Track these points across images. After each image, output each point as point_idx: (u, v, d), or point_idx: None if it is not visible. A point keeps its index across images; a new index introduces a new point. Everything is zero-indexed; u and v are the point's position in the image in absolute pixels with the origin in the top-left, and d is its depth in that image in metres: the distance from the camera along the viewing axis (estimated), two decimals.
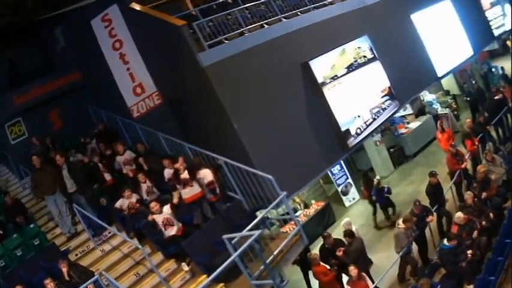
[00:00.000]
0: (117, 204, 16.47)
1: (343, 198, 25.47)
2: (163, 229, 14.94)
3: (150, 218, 14.99)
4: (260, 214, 14.51)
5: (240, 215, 15.58)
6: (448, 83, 32.16)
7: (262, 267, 13.07)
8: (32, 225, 17.20)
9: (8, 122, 22.87)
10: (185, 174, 15.70)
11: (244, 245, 12.23)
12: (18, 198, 19.29)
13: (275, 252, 13.80)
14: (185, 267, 14.62)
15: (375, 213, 22.82)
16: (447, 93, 32.25)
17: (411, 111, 29.65)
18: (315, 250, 18.59)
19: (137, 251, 15.55)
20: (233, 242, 12.64)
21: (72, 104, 23.52)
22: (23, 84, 23.01)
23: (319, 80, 19.94)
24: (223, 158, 16.29)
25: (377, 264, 18.46)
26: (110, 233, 16.67)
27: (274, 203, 14.38)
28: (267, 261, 13.19)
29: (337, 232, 20.93)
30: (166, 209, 15.05)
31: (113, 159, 18.64)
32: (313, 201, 24.34)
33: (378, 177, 23.50)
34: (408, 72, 23.77)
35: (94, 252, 16.27)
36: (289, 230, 15.99)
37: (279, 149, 18.02)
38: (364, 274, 16.21)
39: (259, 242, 13.12)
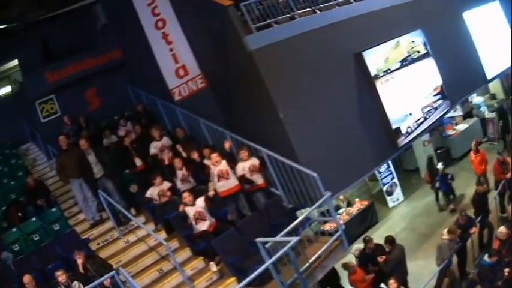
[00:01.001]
0: (148, 193, 14.79)
1: (387, 198, 23.79)
2: (194, 223, 13.16)
3: (181, 208, 13.23)
4: (301, 214, 12.82)
5: (279, 213, 13.73)
6: (494, 87, 29.72)
7: (296, 275, 11.30)
8: (53, 209, 15.75)
9: (40, 99, 21.45)
10: (222, 165, 13.82)
11: (279, 253, 10.44)
12: (42, 180, 17.85)
13: (311, 260, 11.98)
14: (213, 267, 13.02)
15: (437, 198, 22.24)
16: (493, 96, 30.05)
17: (459, 113, 27.82)
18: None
19: (162, 245, 13.65)
20: (267, 246, 10.91)
21: (110, 83, 22.23)
22: (56, 61, 21.64)
23: (372, 73, 17.97)
24: (266, 150, 14.49)
25: (415, 273, 16.72)
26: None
27: (317, 204, 12.59)
28: (302, 269, 11.41)
29: (378, 234, 19.74)
30: (200, 201, 13.25)
31: (146, 143, 16.85)
32: (356, 200, 22.93)
33: (441, 164, 22.25)
34: (460, 71, 21.72)
35: (117, 243, 14.68)
36: (330, 228, 14.22)
37: (326, 144, 16.21)
38: None
39: (295, 248, 11.26)
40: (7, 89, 25.12)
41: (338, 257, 13.31)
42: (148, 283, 12.97)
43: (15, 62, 24.08)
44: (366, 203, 22.71)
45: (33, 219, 15.31)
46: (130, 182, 16.47)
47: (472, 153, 21.71)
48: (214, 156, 13.86)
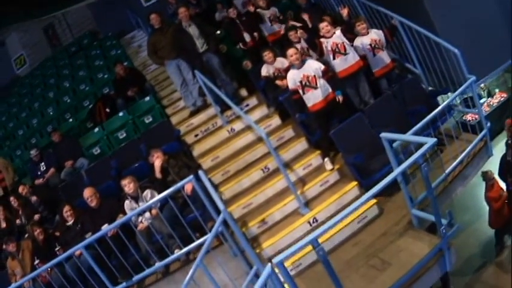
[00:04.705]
0: (264, 71, 11.45)
1: None
2: (301, 92, 9.48)
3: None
4: (442, 101, 9.41)
5: (416, 97, 9.94)
6: None
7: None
8: (147, 98, 13.06)
9: None
10: (336, 38, 9.98)
11: (411, 159, 6.58)
12: (134, 68, 15.35)
13: (451, 167, 8.46)
14: (328, 165, 9.69)
15: None
16: None
17: None
18: None
19: (274, 134, 10.86)
20: (395, 145, 7.40)
21: None
22: None
23: None
24: (399, 17, 10.69)
25: None
26: (247, 105, 12.28)
27: (461, 89, 9.02)
28: (436, 182, 7.94)
29: None
30: (315, 64, 9.49)
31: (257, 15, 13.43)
32: (496, 90, 18.92)
33: None
34: None
35: (219, 133, 11.71)
36: (472, 119, 11.44)
37: (467, 16, 12.58)
38: None
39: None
40: None
41: (481, 164, 9.69)
42: (248, 186, 10.11)
43: None
44: (505, 95, 18.62)
45: (120, 114, 12.85)
46: (242, 58, 13.25)
47: None
48: (324, 25, 10.05)
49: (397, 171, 6.56)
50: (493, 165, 12.08)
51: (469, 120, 12.33)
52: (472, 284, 12.20)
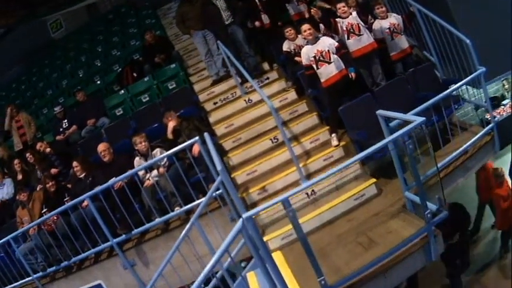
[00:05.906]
0: (285, 47, 11.64)
1: None
2: (314, 67, 9.67)
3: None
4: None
5: (428, 83, 10.03)
6: None
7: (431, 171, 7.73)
8: (172, 65, 13.47)
9: None
10: (352, 18, 10.00)
11: (400, 131, 6.68)
12: (163, 36, 15.83)
13: (453, 154, 8.60)
14: (334, 141, 9.90)
15: None
16: None
17: None
18: None
19: (288, 107, 11.28)
20: (392, 124, 7.39)
21: None
22: None
23: None
24: (417, 5, 10.67)
25: None
26: (267, 78, 12.66)
27: (469, 78, 9.05)
28: (428, 173, 7.76)
29: None
30: (329, 40, 9.71)
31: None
32: None
33: None
34: None
35: (237, 102, 12.17)
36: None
37: (487, 12, 11.69)
38: None
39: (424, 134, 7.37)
40: None
41: (486, 158, 9.72)
42: (255, 154, 10.46)
43: None
44: None
45: (146, 78, 13.28)
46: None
47: None
48: (341, 6, 10.10)
49: (387, 140, 6.80)
50: (504, 164, 12.42)
51: (489, 118, 12.28)
52: (472, 285, 12.09)
